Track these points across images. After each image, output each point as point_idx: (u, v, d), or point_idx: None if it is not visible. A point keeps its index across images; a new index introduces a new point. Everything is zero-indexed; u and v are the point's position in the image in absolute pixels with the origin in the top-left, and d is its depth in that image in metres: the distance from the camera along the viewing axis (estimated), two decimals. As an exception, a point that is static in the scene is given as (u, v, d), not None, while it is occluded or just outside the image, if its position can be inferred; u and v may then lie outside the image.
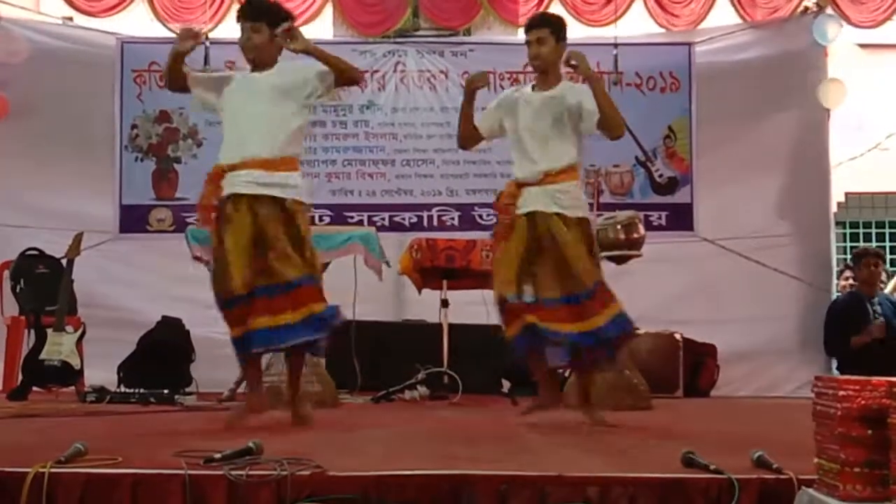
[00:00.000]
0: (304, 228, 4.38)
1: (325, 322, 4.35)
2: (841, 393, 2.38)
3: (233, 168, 4.34)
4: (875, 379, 2.38)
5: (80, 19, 8.07)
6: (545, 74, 4.65)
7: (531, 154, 4.56)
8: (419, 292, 6.90)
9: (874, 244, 9.33)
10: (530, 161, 4.56)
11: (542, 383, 4.77)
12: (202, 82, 4.56)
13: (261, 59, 4.46)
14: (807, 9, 8.03)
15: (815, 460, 2.50)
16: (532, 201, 4.53)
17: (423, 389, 6.30)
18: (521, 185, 4.59)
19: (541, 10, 8.00)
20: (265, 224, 4.28)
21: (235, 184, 4.32)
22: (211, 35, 7.85)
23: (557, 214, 4.48)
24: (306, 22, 8.02)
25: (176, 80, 4.49)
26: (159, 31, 8.08)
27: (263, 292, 4.25)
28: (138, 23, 8.13)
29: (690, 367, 7.24)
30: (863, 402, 2.34)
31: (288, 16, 4.51)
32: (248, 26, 4.43)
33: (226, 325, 4.34)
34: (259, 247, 4.28)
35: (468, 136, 4.84)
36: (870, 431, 2.34)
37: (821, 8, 7.96)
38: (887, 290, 7.98)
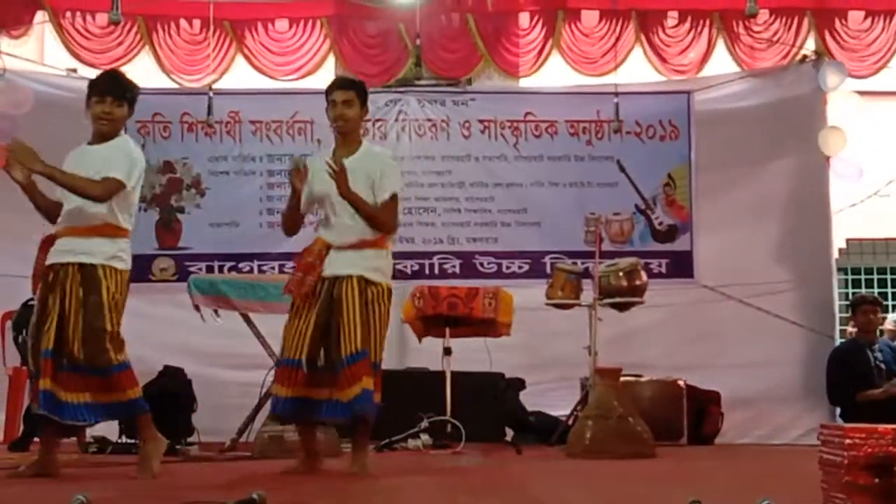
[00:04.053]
0: None
1: None
2: (847, 441, 2.38)
3: None
4: (881, 427, 2.38)
5: (84, 71, 8.12)
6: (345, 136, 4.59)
7: (345, 219, 4.44)
8: (419, 341, 6.88)
9: (876, 290, 9.31)
10: (344, 225, 4.44)
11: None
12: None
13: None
14: (805, 57, 8.10)
15: (822, 509, 2.50)
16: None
17: (426, 438, 6.27)
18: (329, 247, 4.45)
19: (539, 61, 8.13)
20: None
21: None
22: (215, 86, 7.95)
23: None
24: (309, 73, 8.16)
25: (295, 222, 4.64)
26: (163, 81, 8.14)
27: None
28: (142, 74, 8.18)
29: (694, 414, 7.20)
30: (869, 450, 2.34)
31: None
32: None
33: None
34: None
35: (295, 224, 4.70)
36: (877, 480, 2.33)
37: (819, 56, 8.03)
38: (886, 325, 7.99)
